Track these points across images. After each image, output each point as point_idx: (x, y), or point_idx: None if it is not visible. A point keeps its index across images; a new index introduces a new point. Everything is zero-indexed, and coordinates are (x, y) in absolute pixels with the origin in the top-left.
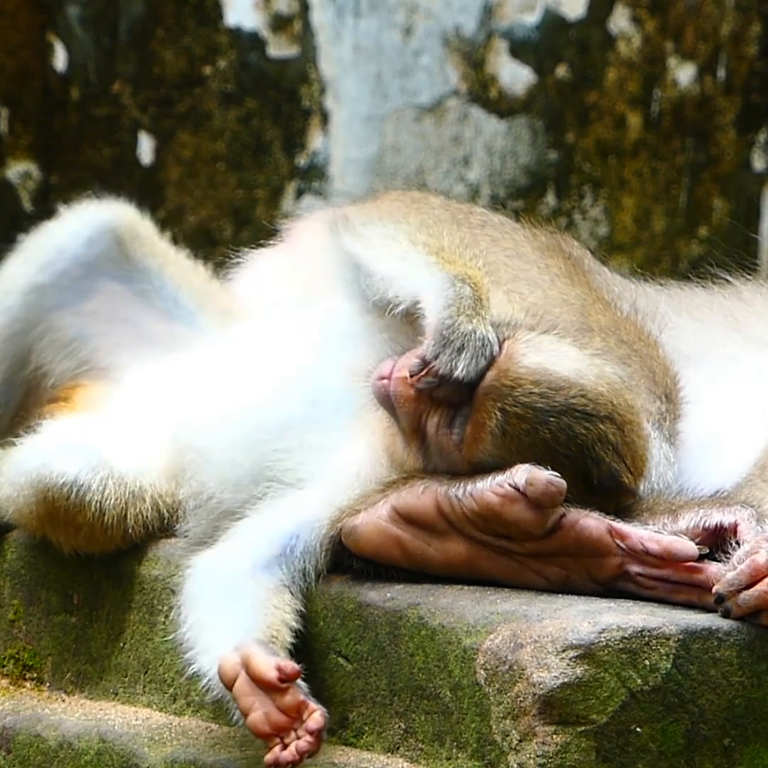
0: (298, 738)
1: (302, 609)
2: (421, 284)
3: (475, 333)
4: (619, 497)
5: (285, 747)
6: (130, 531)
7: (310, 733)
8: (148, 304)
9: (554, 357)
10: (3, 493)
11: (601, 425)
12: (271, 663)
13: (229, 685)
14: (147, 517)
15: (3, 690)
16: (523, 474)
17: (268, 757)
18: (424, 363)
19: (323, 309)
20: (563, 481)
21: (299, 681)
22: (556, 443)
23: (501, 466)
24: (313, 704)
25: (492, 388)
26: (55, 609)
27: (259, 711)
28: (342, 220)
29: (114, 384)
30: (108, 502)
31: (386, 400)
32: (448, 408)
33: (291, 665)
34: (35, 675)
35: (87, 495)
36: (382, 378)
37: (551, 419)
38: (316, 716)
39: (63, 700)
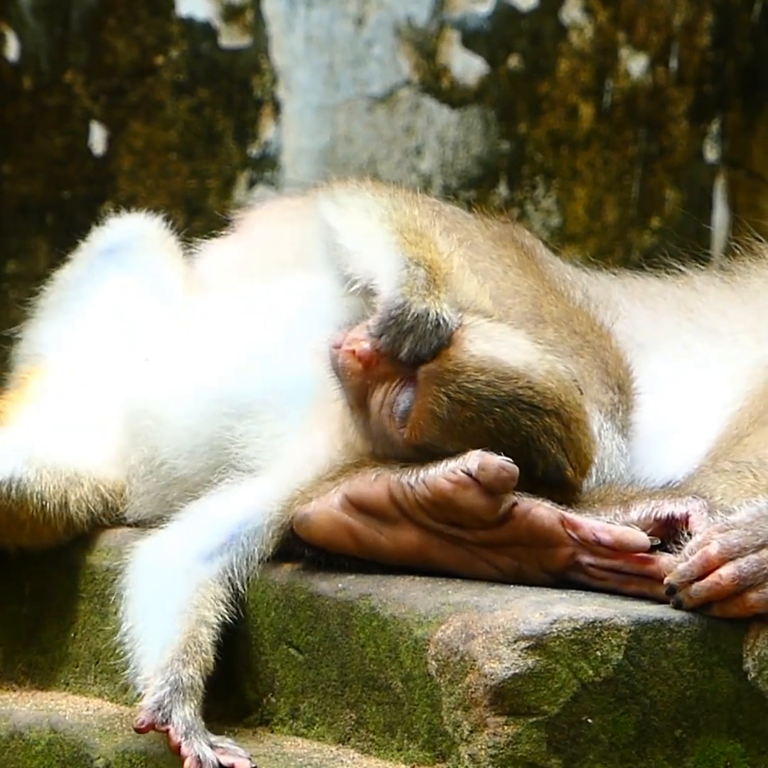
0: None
1: (242, 595)
2: (377, 263)
3: (427, 314)
4: (562, 491)
5: None
6: (73, 518)
7: None
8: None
9: (504, 347)
10: None
11: (547, 419)
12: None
13: None
14: (89, 501)
15: None
16: (475, 459)
17: None
18: (370, 339)
19: (288, 283)
20: (515, 467)
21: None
22: (500, 433)
23: (443, 451)
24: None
25: (435, 372)
26: (5, 599)
27: None
28: (327, 189)
29: (55, 368)
30: (47, 491)
31: (337, 370)
32: (392, 386)
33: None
34: None
35: (27, 488)
36: (336, 347)
37: (496, 409)
38: None
39: (14, 691)
